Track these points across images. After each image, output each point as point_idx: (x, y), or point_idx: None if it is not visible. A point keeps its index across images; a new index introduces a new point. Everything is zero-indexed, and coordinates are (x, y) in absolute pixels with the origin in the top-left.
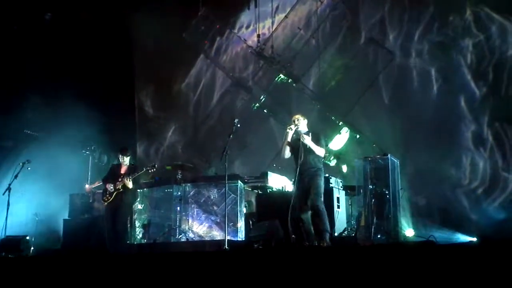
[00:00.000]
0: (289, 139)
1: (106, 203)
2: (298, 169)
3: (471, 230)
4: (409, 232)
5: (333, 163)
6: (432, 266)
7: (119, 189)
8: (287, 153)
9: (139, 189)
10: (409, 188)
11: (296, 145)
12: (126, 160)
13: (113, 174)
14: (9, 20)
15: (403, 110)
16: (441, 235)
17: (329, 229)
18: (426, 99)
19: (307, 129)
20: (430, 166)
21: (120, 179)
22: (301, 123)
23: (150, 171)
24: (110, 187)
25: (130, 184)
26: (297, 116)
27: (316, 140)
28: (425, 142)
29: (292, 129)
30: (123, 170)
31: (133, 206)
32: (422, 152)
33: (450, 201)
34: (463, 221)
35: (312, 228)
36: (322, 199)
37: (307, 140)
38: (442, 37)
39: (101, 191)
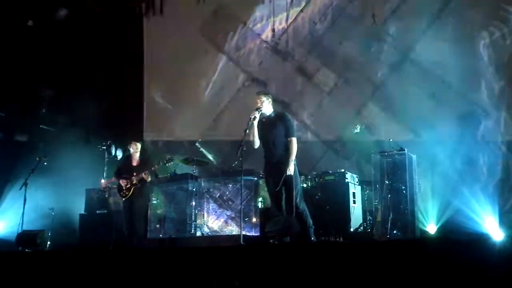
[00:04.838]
0: (255, 127)
1: (124, 199)
2: (265, 157)
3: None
4: (430, 227)
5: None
6: (448, 261)
7: (136, 184)
8: (257, 141)
9: (156, 183)
10: (428, 182)
11: (262, 129)
12: (137, 153)
13: (125, 169)
14: (23, 15)
15: (419, 104)
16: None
17: (312, 224)
18: (443, 93)
19: (272, 110)
20: (448, 161)
21: (134, 174)
22: (265, 105)
23: (167, 164)
24: (124, 183)
25: (149, 178)
26: (258, 97)
27: (285, 125)
28: (442, 136)
29: (256, 118)
30: (135, 163)
31: (150, 198)
32: (440, 146)
33: (467, 196)
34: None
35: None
36: (301, 196)
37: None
38: (460, 30)
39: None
